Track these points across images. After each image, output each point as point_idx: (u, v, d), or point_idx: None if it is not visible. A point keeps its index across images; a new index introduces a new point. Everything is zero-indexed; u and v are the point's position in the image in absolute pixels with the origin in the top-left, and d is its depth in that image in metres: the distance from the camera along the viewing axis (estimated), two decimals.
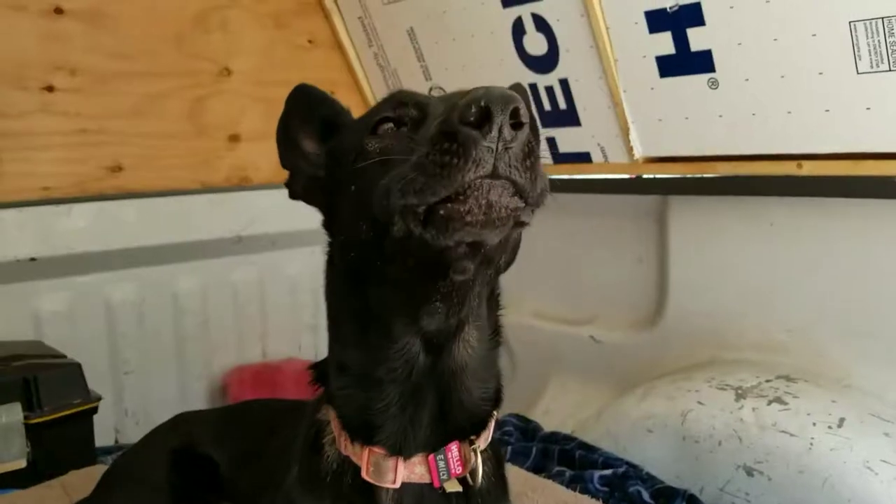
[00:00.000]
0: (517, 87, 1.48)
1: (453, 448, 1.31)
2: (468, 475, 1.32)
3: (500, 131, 0.96)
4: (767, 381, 2.50)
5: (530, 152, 1.01)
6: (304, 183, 1.46)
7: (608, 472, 2.56)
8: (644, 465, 2.61)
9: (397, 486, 1.28)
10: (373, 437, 1.28)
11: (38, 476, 2.50)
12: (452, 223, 1.01)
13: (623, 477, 2.53)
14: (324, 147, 1.45)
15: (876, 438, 2.22)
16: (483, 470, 1.34)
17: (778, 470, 2.29)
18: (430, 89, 3.61)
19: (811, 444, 2.24)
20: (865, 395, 2.42)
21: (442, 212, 1.01)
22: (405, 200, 1.03)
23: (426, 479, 1.30)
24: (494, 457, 1.46)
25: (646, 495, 2.44)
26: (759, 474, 2.33)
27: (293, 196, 1.49)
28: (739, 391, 2.48)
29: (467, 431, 1.32)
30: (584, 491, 2.45)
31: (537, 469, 2.66)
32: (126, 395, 3.36)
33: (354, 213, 1.21)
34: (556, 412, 3.33)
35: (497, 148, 0.97)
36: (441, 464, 1.29)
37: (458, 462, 1.31)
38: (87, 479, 2.44)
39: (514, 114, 0.97)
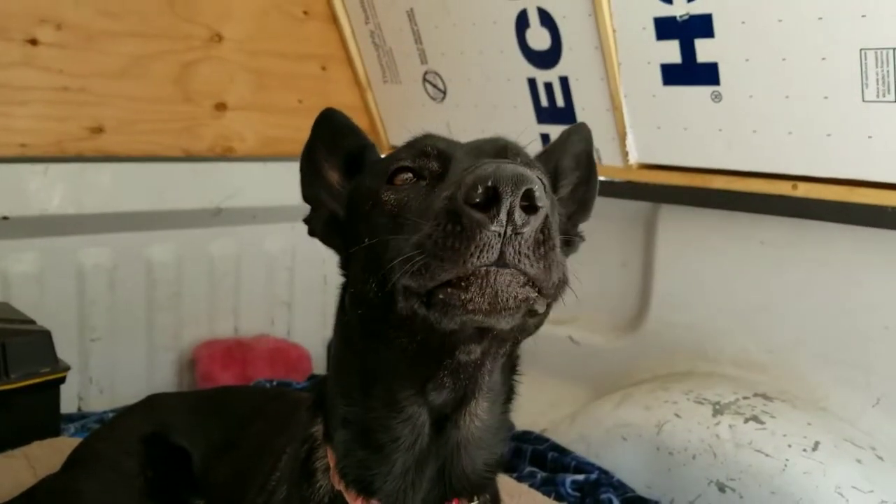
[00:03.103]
0: (581, 128, 1.47)
1: None
2: None
3: (509, 215, 0.88)
4: (745, 398, 2.52)
5: (545, 239, 0.92)
6: (324, 224, 1.40)
7: (580, 477, 2.57)
8: (615, 473, 2.62)
9: None
10: (371, 493, 1.23)
11: (0, 445, 2.44)
12: (454, 309, 0.95)
13: (595, 484, 2.54)
14: (347, 185, 1.39)
15: (849, 464, 2.24)
16: None
17: (750, 489, 2.30)
18: (425, 73, 3.55)
19: (785, 465, 2.26)
20: (841, 420, 2.44)
21: (442, 296, 0.95)
22: (406, 281, 0.97)
23: None
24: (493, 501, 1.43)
25: (617, 503, 2.45)
26: (731, 491, 2.35)
27: (311, 233, 1.44)
28: (717, 406, 2.49)
29: (468, 492, 1.28)
30: (557, 495, 2.45)
31: (508, 468, 2.66)
32: (91, 362, 3.27)
33: (364, 269, 1.15)
34: (528, 410, 3.29)
35: (506, 233, 0.89)
36: None
37: None
38: (51, 450, 2.39)
39: (528, 196, 0.88)
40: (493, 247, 0.89)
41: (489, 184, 0.87)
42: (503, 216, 0.88)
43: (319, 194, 1.40)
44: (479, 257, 0.89)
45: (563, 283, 0.99)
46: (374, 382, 1.21)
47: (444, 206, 0.93)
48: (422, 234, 0.94)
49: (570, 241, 1.50)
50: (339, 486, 1.27)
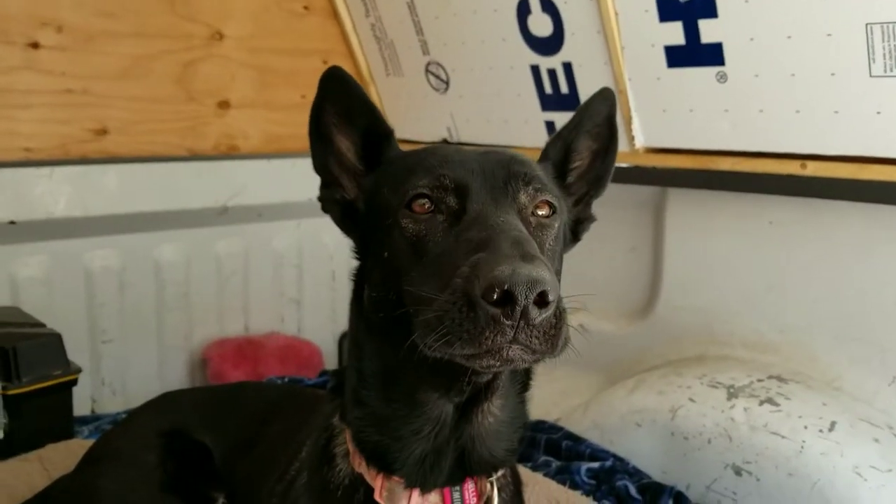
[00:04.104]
0: (604, 92, 1.48)
1: (470, 482, 1.31)
2: None
3: (523, 313, 0.97)
4: (759, 380, 2.50)
5: (556, 322, 1.01)
6: (342, 209, 1.40)
7: (595, 464, 2.56)
8: (630, 459, 2.61)
9: None
10: (391, 472, 1.28)
11: (14, 449, 2.44)
12: (472, 364, 1.07)
13: (610, 471, 2.52)
14: (367, 177, 1.38)
15: (866, 444, 2.23)
16: (501, 497, 1.34)
17: (767, 471, 2.29)
18: (428, 64, 3.53)
19: (802, 446, 2.24)
20: (856, 400, 2.42)
21: (461, 359, 1.06)
22: (427, 343, 1.05)
23: None
24: (513, 481, 1.46)
25: (633, 490, 2.44)
26: (747, 474, 2.33)
27: (324, 210, 1.43)
28: (731, 390, 2.47)
29: (487, 471, 1.33)
30: (572, 483, 2.44)
31: (522, 458, 2.64)
32: (103, 364, 3.28)
33: (385, 282, 1.22)
34: (540, 399, 3.29)
35: (518, 324, 0.98)
36: (456, 495, 1.30)
37: (473, 493, 1.31)
38: (65, 453, 2.39)
39: (541, 295, 0.97)
40: (507, 332, 0.98)
41: (506, 288, 0.95)
42: (517, 314, 0.97)
43: (330, 164, 1.39)
44: (493, 340, 0.99)
45: (567, 342, 1.07)
46: (395, 380, 1.27)
47: (462, 289, 1.00)
48: (443, 307, 1.02)
49: (583, 223, 1.49)
50: (360, 469, 1.30)
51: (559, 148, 1.48)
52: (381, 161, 1.38)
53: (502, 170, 1.24)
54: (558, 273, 1.33)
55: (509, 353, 1.00)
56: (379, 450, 1.27)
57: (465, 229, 1.14)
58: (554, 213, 1.29)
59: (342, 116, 1.37)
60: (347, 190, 1.40)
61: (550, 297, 0.97)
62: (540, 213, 1.27)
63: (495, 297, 0.96)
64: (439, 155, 1.26)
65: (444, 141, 3.69)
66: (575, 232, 1.49)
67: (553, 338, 1.01)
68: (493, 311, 0.97)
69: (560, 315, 1.02)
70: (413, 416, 1.25)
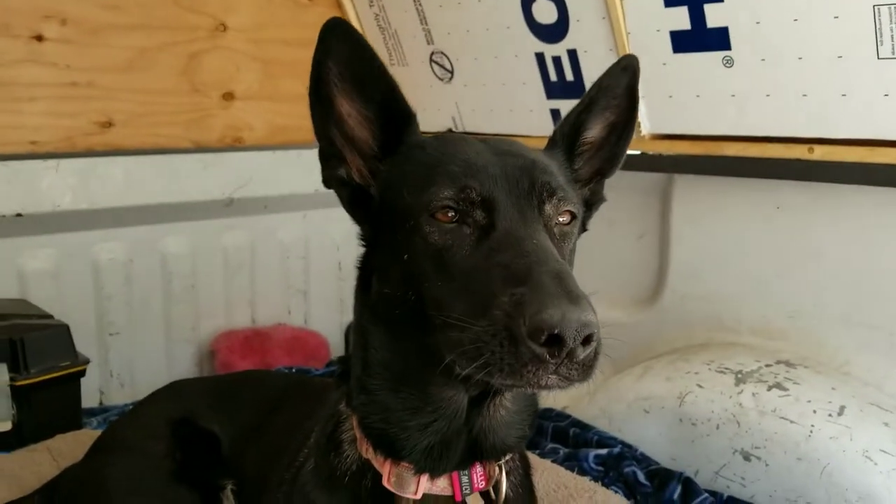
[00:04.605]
0: (627, 58, 1.43)
1: (478, 465, 1.30)
2: (491, 489, 1.31)
3: (569, 354, 0.98)
4: (767, 365, 2.49)
5: (594, 356, 1.03)
6: (351, 192, 1.32)
7: (603, 451, 2.55)
8: (638, 446, 2.60)
9: (418, 497, 1.27)
10: (399, 458, 1.27)
11: (23, 439, 2.46)
12: (507, 387, 1.12)
13: (618, 457, 2.52)
14: (382, 164, 1.30)
15: (876, 428, 2.22)
16: (510, 480, 1.34)
17: (776, 456, 2.28)
18: (432, 53, 3.52)
19: (811, 431, 2.24)
20: (865, 384, 2.41)
21: (497, 387, 1.11)
22: (464, 368, 1.06)
23: (448, 492, 1.29)
24: (522, 464, 1.45)
25: (641, 476, 2.44)
26: (756, 460, 2.33)
27: (326, 184, 1.34)
28: (739, 375, 2.46)
29: (495, 456, 1.32)
30: (580, 470, 2.43)
31: (530, 445, 2.64)
32: (111, 356, 3.29)
33: (405, 283, 1.19)
34: None
35: (562, 361, 0.99)
36: (464, 479, 1.29)
37: (481, 477, 1.30)
38: (73, 443, 2.40)
39: (588, 338, 0.98)
40: (549, 367, 1.00)
41: (556, 332, 0.96)
42: (563, 354, 0.98)
43: (331, 133, 1.30)
44: (535, 374, 1.01)
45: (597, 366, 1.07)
46: (406, 373, 1.25)
47: (505, 324, 1.00)
48: (482, 338, 1.02)
49: (592, 206, 1.47)
50: (367, 455, 1.29)
51: (568, 131, 1.42)
52: (399, 148, 1.30)
53: (526, 178, 1.22)
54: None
55: (547, 381, 1.02)
56: (385, 438, 1.26)
57: (496, 249, 1.12)
58: (574, 219, 1.28)
59: (348, 80, 1.27)
60: (357, 170, 1.31)
61: (595, 339, 0.99)
62: (562, 220, 1.26)
63: (543, 339, 0.97)
64: (461, 159, 1.21)
65: (449, 131, 3.68)
66: (583, 219, 1.45)
67: (589, 368, 1.03)
68: (540, 350, 0.98)
69: (598, 348, 1.03)
70: (424, 409, 1.24)
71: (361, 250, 1.36)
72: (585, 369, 1.02)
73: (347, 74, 1.26)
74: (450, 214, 1.17)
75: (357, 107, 1.29)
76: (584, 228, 1.45)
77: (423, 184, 1.20)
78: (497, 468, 1.31)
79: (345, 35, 1.24)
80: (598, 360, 1.04)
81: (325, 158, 1.33)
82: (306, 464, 1.43)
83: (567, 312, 0.97)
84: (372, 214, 1.31)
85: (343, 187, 1.33)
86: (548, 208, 1.22)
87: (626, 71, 1.43)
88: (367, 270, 1.32)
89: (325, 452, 1.37)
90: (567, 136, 1.42)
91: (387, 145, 1.32)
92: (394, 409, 1.25)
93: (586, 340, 0.98)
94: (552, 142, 1.43)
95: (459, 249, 1.15)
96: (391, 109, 1.30)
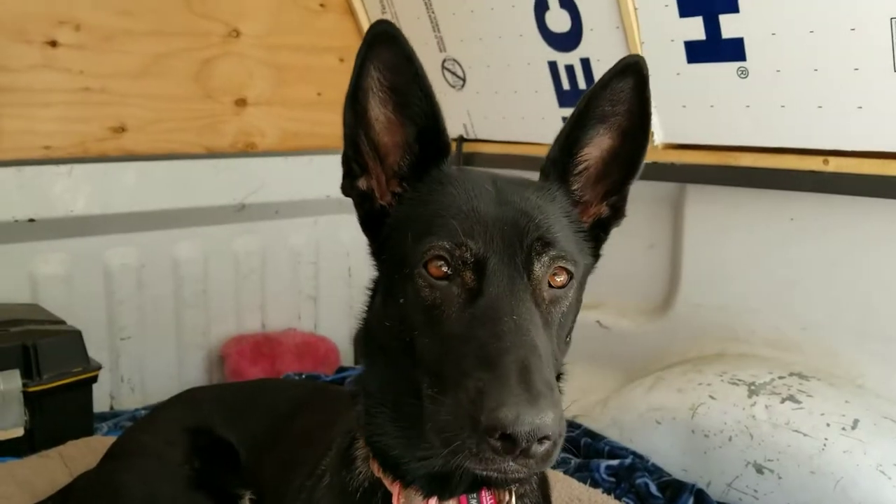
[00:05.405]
0: (636, 58, 1.31)
1: (485, 492, 1.28)
2: None
3: (524, 451, 0.99)
4: (780, 377, 2.48)
5: (552, 449, 1.03)
6: (368, 210, 1.30)
7: (615, 462, 2.55)
8: (650, 457, 2.60)
9: None
10: (407, 483, 1.26)
11: (35, 445, 2.47)
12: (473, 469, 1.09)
13: (630, 468, 2.52)
14: (406, 191, 1.27)
15: (890, 442, 2.21)
16: (523, 503, 1.33)
17: (789, 469, 2.27)
18: (444, 61, 3.52)
19: (824, 444, 2.23)
20: (879, 398, 2.40)
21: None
22: (435, 444, 1.08)
23: None
24: (540, 487, 1.42)
25: (653, 488, 2.43)
26: (769, 472, 2.32)
27: (345, 192, 1.31)
28: (752, 387, 2.45)
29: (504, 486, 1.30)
30: (592, 481, 2.43)
31: None
32: (122, 361, 3.30)
33: (401, 324, 1.19)
34: None
35: (517, 455, 1.00)
36: (473, 502, 1.27)
37: (490, 500, 1.28)
38: (86, 450, 2.40)
39: (543, 438, 0.99)
40: (506, 461, 1.02)
41: (509, 432, 0.97)
42: (517, 452, 1.00)
43: (360, 141, 1.25)
44: (493, 461, 1.02)
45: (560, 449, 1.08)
46: (404, 408, 1.22)
47: (468, 414, 1.01)
48: (448, 425, 1.04)
49: (616, 215, 1.43)
50: (378, 473, 1.29)
51: (558, 156, 1.33)
52: (425, 177, 1.27)
53: (518, 237, 1.17)
54: (570, 333, 1.28)
55: (507, 467, 1.03)
56: (391, 460, 1.26)
57: (478, 320, 1.11)
58: (570, 278, 1.22)
59: (388, 90, 1.22)
60: (378, 186, 1.29)
61: (551, 438, 1.00)
62: (557, 280, 1.21)
63: (497, 436, 0.98)
64: (464, 211, 1.18)
65: (461, 138, 3.68)
66: (598, 239, 1.41)
67: (548, 457, 1.04)
68: (495, 444, 0.99)
69: (556, 441, 1.03)
70: (420, 444, 1.20)
71: (373, 270, 1.35)
72: (544, 459, 1.03)
73: (390, 85, 1.22)
74: (444, 270, 1.15)
75: (392, 122, 1.25)
76: (597, 255, 1.42)
77: (424, 231, 1.17)
78: (507, 493, 1.29)
79: (393, 41, 1.19)
80: (557, 449, 1.04)
81: (347, 165, 1.29)
82: (324, 477, 1.43)
83: (522, 413, 0.97)
84: (383, 238, 1.29)
85: (361, 203, 1.30)
86: (537, 270, 1.18)
87: (626, 73, 1.31)
88: (375, 293, 1.33)
89: (339, 468, 1.37)
90: (557, 161, 1.34)
91: (415, 169, 1.28)
92: (394, 436, 1.25)
93: (541, 441, 0.99)
94: (543, 174, 1.35)
95: (448, 309, 1.14)
96: (429, 135, 1.27)
